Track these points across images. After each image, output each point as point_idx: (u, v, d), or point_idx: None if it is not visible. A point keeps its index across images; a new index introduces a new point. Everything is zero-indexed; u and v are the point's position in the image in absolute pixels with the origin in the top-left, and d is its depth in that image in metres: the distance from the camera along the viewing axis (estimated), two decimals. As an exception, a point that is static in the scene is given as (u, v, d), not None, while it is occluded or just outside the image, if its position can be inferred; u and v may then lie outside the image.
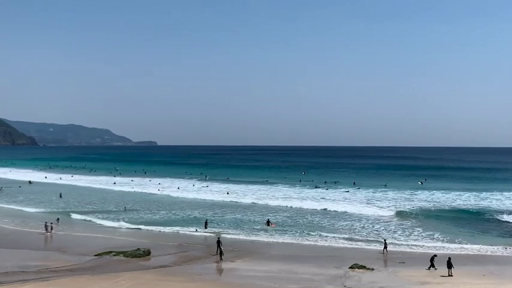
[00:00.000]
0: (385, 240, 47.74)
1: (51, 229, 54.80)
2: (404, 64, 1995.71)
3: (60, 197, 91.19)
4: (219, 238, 46.26)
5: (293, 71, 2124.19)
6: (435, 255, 39.39)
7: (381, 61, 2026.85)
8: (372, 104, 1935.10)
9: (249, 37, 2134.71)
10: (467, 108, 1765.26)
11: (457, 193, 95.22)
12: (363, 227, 59.68)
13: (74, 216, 67.54)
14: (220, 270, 39.24)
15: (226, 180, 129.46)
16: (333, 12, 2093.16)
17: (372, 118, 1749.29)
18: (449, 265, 36.93)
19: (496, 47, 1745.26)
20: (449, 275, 36.42)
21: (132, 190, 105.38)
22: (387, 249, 45.83)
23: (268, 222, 60.97)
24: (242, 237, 53.14)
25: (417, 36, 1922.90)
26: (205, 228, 57.14)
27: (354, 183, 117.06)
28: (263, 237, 52.91)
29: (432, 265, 38.67)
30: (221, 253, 42.78)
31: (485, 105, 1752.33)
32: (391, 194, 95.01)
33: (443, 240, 51.41)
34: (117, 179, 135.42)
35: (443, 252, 44.74)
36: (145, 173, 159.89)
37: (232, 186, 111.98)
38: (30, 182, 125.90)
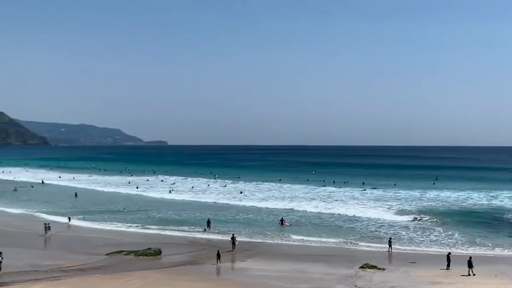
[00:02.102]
0: (390, 239, 47.77)
1: (49, 229, 54.41)
2: (404, 64, 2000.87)
3: (76, 196, 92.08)
4: (233, 235, 47.89)
5: (293, 71, 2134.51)
6: (449, 254, 39.19)
7: (382, 61, 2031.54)
8: (372, 104, 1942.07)
9: (249, 37, 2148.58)
10: (468, 108, 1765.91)
11: (468, 192, 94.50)
12: (374, 226, 59.38)
13: (84, 216, 67.84)
14: (231, 270, 39.33)
15: (238, 180, 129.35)
16: (333, 12, 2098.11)
17: (371, 118, 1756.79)
18: (470, 265, 36.79)
19: (496, 46, 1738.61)
20: (469, 275, 36.35)
21: (144, 191, 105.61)
22: (392, 248, 46.03)
23: (281, 221, 61.13)
24: (253, 236, 53.01)
25: (417, 36, 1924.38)
26: (208, 227, 57.26)
27: (363, 183, 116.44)
28: (274, 237, 52.84)
29: (448, 264, 38.58)
30: (233, 245, 45.96)
31: (486, 104, 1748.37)
32: (401, 193, 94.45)
33: (455, 240, 51.06)
34: (131, 178, 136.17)
35: (454, 252, 44.50)
36: (154, 172, 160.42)
37: (244, 186, 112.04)
38: (42, 182, 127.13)
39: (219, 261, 40.03)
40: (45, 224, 55.46)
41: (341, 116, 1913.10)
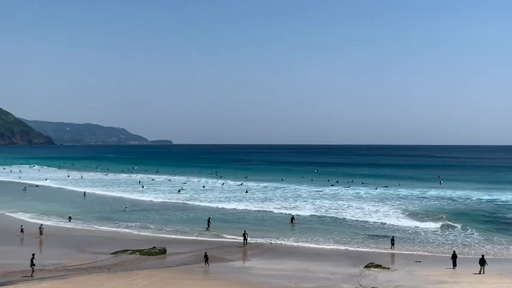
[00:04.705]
0: (392, 237, 47.93)
1: (22, 232, 52.47)
2: (404, 63, 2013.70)
3: (84, 196, 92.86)
4: (245, 231, 48.85)
5: (294, 70, 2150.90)
6: (456, 256, 39.23)
7: (380, 60, 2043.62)
8: (371, 104, 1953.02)
9: (251, 36, 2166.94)
10: (467, 107, 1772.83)
11: (474, 191, 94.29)
12: (379, 226, 59.38)
13: (87, 215, 67.94)
14: (236, 269, 39.29)
15: (243, 179, 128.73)
16: (331, 11, 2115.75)
17: (371, 117, 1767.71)
18: (482, 262, 36.78)
19: (497, 46, 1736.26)
20: (481, 273, 36.45)
21: (149, 191, 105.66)
22: (394, 247, 46.27)
23: (292, 219, 61.90)
24: (258, 235, 52.74)
25: (417, 36, 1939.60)
26: (208, 226, 57.27)
27: (362, 182, 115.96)
28: (279, 236, 52.72)
29: (454, 264, 38.57)
30: (245, 241, 47.67)
31: (486, 103, 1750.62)
32: (406, 193, 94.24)
33: (460, 239, 51.02)
34: (136, 178, 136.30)
35: (459, 251, 44.41)
36: (157, 171, 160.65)
37: (249, 185, 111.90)
38: (46, 179, 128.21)
39: (207, 264, 38.96)
40: (40, 225, 54.03)
41: (341, 115, 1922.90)
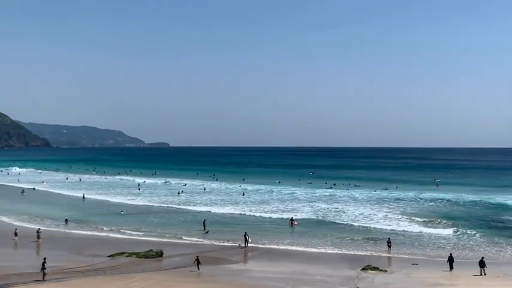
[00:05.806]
0: (389, 239, 48.02)
1: (16, 235, 51.99)
2: (401, 65, 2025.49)
3: (83, 198, 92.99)
4: (246, 233, 49.37)
5: (290, 72, 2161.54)
6: (452, 258, 39.27)
7: (378, 61, 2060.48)
8: (369, 105, 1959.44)
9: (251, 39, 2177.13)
10: (466, 109, 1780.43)
11: (470, 193, 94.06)
12: (377, 228, 59.24)
13: (84, 218, 67.69)
14: (233, 272, 39.25)
15: (241, 182, 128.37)
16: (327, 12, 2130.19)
17: (368, 119, 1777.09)
18: (482, 264, 36.87)
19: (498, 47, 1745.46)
20: (481, 274, 36.52)
21: (146, 194, 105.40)
22: (391, 249, 46.40)
23: (291, 221, 62.15)
24: (255, 238, 52.49)
25: (417, 37, 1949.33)
26: (204, 228, 57.22)
27: (355, 185, 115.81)
28: (277, 239, 52.68)
29: (451, 266, 38.61)
30: (246, 242, 48.24)
31: (485, 106, 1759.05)
32: (403, 195, 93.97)
33: (457, 241, 51.00)
34: (132, 180, 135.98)
35: (456, 253, 44.43)
36: (153, 174, 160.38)
37: (246, 188, 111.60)
38: (43, 182, 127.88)
39: (198, 268, 38.56)
40: (38, 229, 53.28)
41: (339, 118, 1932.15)
